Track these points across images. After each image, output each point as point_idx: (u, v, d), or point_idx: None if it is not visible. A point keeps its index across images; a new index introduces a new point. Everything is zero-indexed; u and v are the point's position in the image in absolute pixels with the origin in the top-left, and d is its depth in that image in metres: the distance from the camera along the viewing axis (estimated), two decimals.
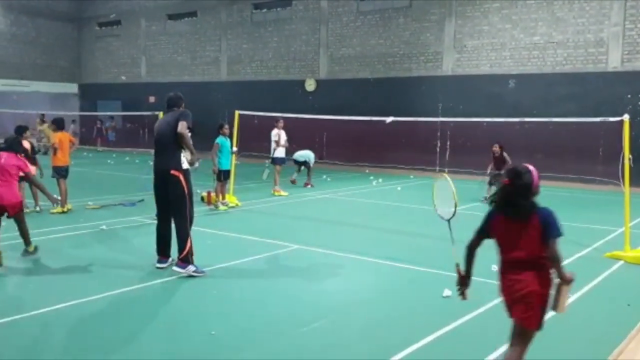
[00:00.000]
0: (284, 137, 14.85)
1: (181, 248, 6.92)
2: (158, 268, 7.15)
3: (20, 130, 10.44)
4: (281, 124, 14.87)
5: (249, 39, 26.47)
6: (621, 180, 8.63)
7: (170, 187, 6.99)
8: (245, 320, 5.57)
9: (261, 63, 26.10)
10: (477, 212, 12.33)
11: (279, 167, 14.86)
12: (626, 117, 8.46)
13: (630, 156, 8.54)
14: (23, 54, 31.91)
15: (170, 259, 7.24)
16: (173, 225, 7.18)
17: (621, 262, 8.09)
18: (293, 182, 16.04)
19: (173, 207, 7.03)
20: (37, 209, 11.03)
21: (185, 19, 29.07)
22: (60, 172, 11.31)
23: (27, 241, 7.68)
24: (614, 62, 17.84)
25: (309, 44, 24.55)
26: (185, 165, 7.04)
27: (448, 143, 20.73)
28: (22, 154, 7.73)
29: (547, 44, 18.98)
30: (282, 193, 14.43)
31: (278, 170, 14.80)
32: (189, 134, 7.05)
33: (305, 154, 16.01)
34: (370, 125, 14.94)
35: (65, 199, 11.23)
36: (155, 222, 7.47)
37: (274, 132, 14.77)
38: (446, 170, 20.50)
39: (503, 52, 19.80)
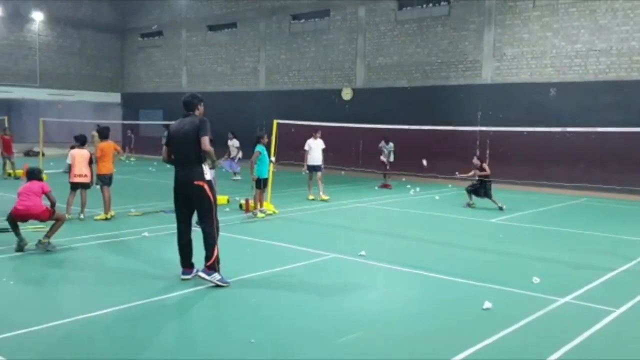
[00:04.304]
0: (314, 147, 15.23)
1: (208, 256, 6.86)
2: (183, 279, 7.08)
3: (82, 140, 11.81)
4: (318, 134, 15.21)
5: (286, 49, 26.69)
6: None
7: (195, 198, 6.93)
8: (284, 328, 5.59)
9: (298, 73, 26.27)
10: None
11: (311, 174, 15.29)
12: None
13: None
14: (69, 65, 32.94)
15: (195, 269, 7.14)
16: (193, 236, 7.14)
17: None
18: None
19: (200, 216, 6.99)
20: (81, 216, 11.30)
21: (224, 30, 29.51)
22: (104, 180, 11.57)
23: (48, 234, 8.60)
24: None
25: (346, 54, 24.61)
26: (208, 176, 6.96)
27: (487, 152, 20.42)
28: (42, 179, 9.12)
29: (589, 52, 18.57)
30: (323, 197, 14.96)
31: (319, 177, 15.20)
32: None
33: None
34: (408, 134, 14.84)
35: (109, 206, 11.48)
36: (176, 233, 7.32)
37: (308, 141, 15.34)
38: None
39: (544, 60, 19.46)
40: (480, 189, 14.21)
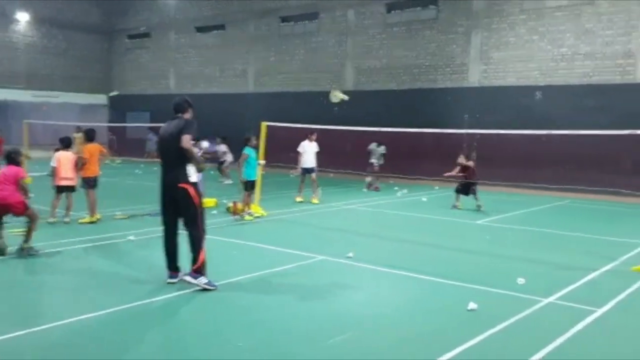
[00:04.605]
0: (308, 149, 15.27)
1: (195, 259, 6.84)
2: (169, 283, 7.06)
3: (67, 143, 11.69)
4: (314, 136, 15.35)
5: (276, 51, 26.75)
6: None
7: (180, 201, 6.90)
8: (272, 331, 5.63)
9: (288, 75, 26.33)
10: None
11: (304, 176, 15.30)
12: None
13: None
14: (54, 66, 32.71)
15: (181, 273, 7.13)
16: (179, 239, 7.11)
17: None
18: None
19: (186, 219, 6.96)
20: (66, 219, 11.24)
21: (213, 32, 29.51)
22: (89, 183, 11.51)
23: (27, 238, 8.45)
24: None
25: (336, 56, 24.71)
26: (193, 178, 6.92)
27: (474, 154, 20.54)
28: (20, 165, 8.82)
29: (574, 56, 18.81)
30: (314, 201, 15.02)
31: (313, 179, 15.27)
32: (194, 146, 6.91)
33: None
34: (396, 136, 14.95)
35: (94, 209, 11.44)
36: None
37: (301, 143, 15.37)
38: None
39: (530, 63, 19.68)
40: (467, 186, 14.41)
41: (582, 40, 18.66)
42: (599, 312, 6.34)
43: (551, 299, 6.80)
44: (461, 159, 14.60)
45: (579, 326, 5.85)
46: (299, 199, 15.14)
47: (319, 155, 15.54)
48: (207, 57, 29.66)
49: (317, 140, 15.53)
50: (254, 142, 12.55)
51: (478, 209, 14.13)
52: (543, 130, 12.33)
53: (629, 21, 17.80)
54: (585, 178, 17.32)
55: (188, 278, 6.90)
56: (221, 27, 29.07)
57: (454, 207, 14.49)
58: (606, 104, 17.83)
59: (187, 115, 7.18)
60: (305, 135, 15.49)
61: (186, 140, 6.76)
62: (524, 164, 18.74)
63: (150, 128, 30.52)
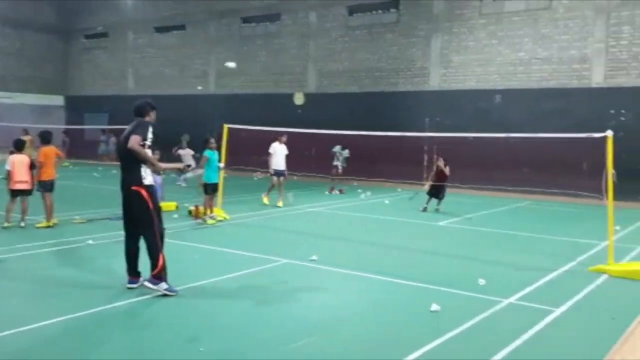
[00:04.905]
0: (278, 151, 15.13)
1: (154, 265, 6.71)
2: (129, 288, 6.94)
3: (18, 145, 11.39)
4: (284, 138, 15.19)
5: (237, 52, 26.59)
6: (604, 195, 8.76)
7: (133, 203, 6.77)
8: (233, 336, 5.58)
9: (250, 76, 26.21)
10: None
11: (275, 179, 15.10)
12: (609, 133, 8.61)
13: (614, 171, 8.67)
14: (7, 66, 31.76)
15: (141, 278, 7.01)
16: (141, 244, 6.96)
17: (605, 276, 8.19)
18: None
19: (140, 223, 6.80)
20: (22, 224, 10.93)
21: (173, 32, 29.16)
22: (46, 186, 11.22)
23: None
24: (597, 78, 18.17)
25: (298, 58, 24.72)
26: (147, 180, 6.76)
27: (435, 157, 20.85)
28: None
29: (532, 60, 19.29)
30: (279, 204, 14.87)
31: (280, 182, 15.09)
32: (144, 147, 6.66)
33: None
34: (359, 139, 15.04)
35: (51, 213, 11.16)
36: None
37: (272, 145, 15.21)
38: (422, 182, 20.66)
39: (489, 67, 20.08)
40: (440, 190, 14.62)
41: (539, 45, 19.14)
42: (558, 312, 6.50)
43: (511, 299, 6.94)
44: (440, 162, 14.74)
45: (538, 326, 5.98)
46: (265, 200, 15.00)
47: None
48: (167, 57, 29.30)
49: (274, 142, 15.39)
50: (213, 144, 12.41)
51: (437, 210, 14.41)
52: (502, 134, 12.58)
53: (584, 27, 18.35)
54: (543, 180, 17.76)
55: (148, 284, 6.78)
56: (181, 27, 28.76)
57: (425, 209, 14.61)
58: (563, 107, 18.33)
59: (149, 118, 7.03)
60: (274, 137, 15.28)
61: (133, 141, 6.58)
62: (483, 166, 19.08)
63: (103, 130, 29.99)
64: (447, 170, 14.70)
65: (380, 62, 22.47)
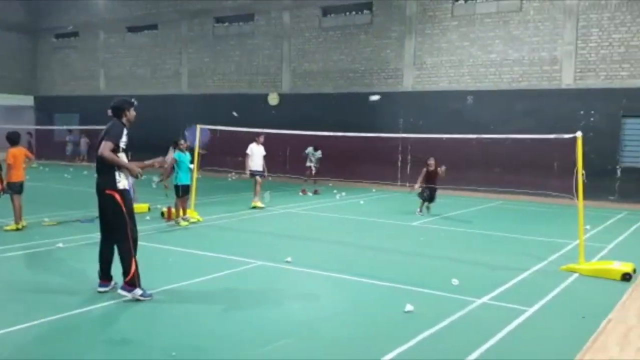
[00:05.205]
0: (256, 152, 14.97)
1: (126, 271, 6.58)
2: (100, 292, 6.81)
3: None
4: (261, 139, 15.01)
5: (210, 52, 26.40)
6: (575, 194, 8.89)
7: (106, 207, 6.65)
8: (208, 340, 5.52)
9: (223, 76, 26.05)
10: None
11: (259, 178, 14.92)
12: (579, 134, 8.77)
13: (584, 171, 8.81)
14: None
15: (113, 282, 6.90)
16: (115, 247, 6.85)
17: (576, 275, 8.32)
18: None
19: (111, 227, 6.70)
20: None
21: (145, 32, 28.81)
22: (15, 188, 10.97)
23: None
24: (567, 79, 18.48)
25: (272, 59, 24.65)
26: (122, 184, 6.63)
27: (409, 157, 21.03)
28: None
29: (503, 62, 19.53)
30: (259, 205, 14.70)
31: (259, 183, 14.91)
32: (118, 152, 6.54)
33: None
34: (333, 140, 15.04)
35: (20, 216, 10.92)
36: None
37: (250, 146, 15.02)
38: (407, 184, 20.79)
39: (461, 69, 20.28)
40: (433, 193, 14.30)
41: (510, 47, 19.40)
42: (530, 311, 6.57)
43: (484, 299, 6.99)
44: (432, 161, 14.29)
45: (511, 326, 6.03)
46: (255, 203, 14.75)
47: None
48: (139, 57, 28.94)
49: (249, 142, 15.24)
50: (183, 145, 12.24)
51: (428, 210, 14.36)
52: (474, 134, 12.69)
53: (554, 29, 18.65)
54: (515, 180, 18.00)
55: (122, 292, 6.63)
56: (153, 27, 28.43)
57: (420, 212, 14.28)
58: (534, 108, 18.60)
59: (126, 118, 6.86)
60: (248, 137, 15.11)
61: (103, 148, 6.44)
62: (456, 166, 19.11)
63: (70, 130, 29.51)
64: (440, 170, 14.16)
65: (355, 63, 22.52)
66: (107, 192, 6.59)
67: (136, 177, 6.79)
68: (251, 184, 15.34)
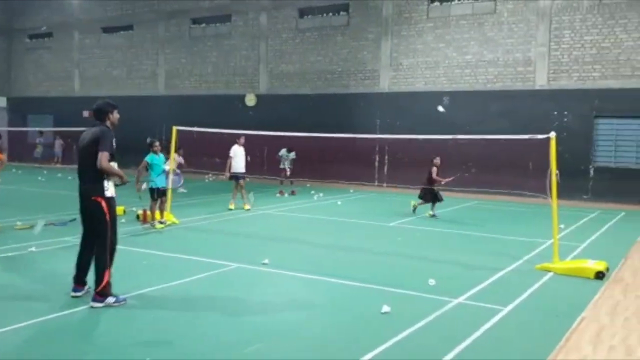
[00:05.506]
0: (239, 153, 14.84)
1: (98, 281, 6.45)
2: (73, 297, 6.69)
3: None
4: (242, 140, 14.87)
5: (187, 53, 26.20)
6: (549, 194, 8.98)
7: (90, 213, 6.55)
8: (183, 344, 5.44)
9: (200, 77, 25.86)
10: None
11: (237, 182, 14.78)
12: (552, 135, 8.88)
13: (557, 171, 8.92)
14: None
15: (87, 287, 6.78)
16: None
17: (551, 274, 8.40)
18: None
19: (92, 234, 6.58)
20: None
21: (120, 32, 28.47)
22: None
23: None
24: (540, 80, 18.71)
25: (249, 59, 24.54)
26: (109, 192, 6.55)
27: (386, 158, 21.10)
28: None
29: (478, 63, 19.70)
30: (246, 207, 14.59)
31: (242, 186, 14.78)
32: (111, 161, 6.47)
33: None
34: (311, 141, 15.00)
35: None
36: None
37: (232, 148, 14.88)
38: (385, 184, 20.88)
39: (437, 70, 20.40)
40: (436, 194, 13.98)
41: (485, 48, 19.57)
42: (505, 310, 6.61)
43: (460, 299, 7.02)
44: (437, 160, 14.01)
45: (486, 326, 6.06)
46: (231, 207, 14.61)
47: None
48: (114, 58, 28.59)
49: (231, 144, 15.13)
50: (157, 147, 12.06)
51: (433, 216, 13.94)
52: (449, 135, 12.75)
53: (528, 31, 18.86)
54: (491, 180, 18.14)
55: (94, 304, 6.44)
56: (129, 27, 28.10)
57: (433, 215, 14.01)
58: (509, 109, 18.79)
59: (110, 121, 6.72)
60: (226, 138, 14.99)
61: (103, 160, 6.35)
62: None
63: (41, 132, 29.05)
64: (434, 172, 13.96)
65: (332, 65, 22.53)
66: (94, 199, 6.48)
67: (124, 183, 6.72)
68: (231, 186, 15.22)
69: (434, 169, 14.10)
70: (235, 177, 14.82)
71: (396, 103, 20.89)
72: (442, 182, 13.98)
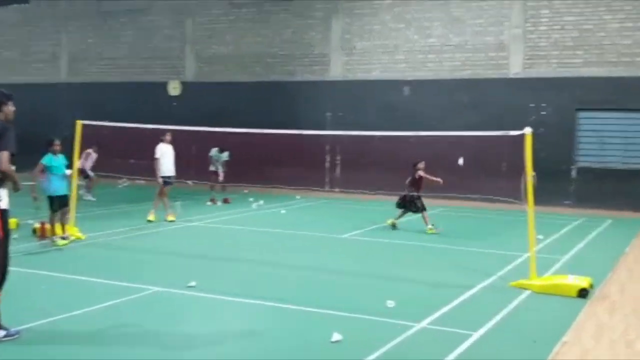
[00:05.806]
0: (167, 152, 14.64)
1: None
2: None
3: None
4: (168, 137, 14.65)
5: (95, 32, 25.71)
6: (524, 200, 9.15)
7: None
8: None
9: (112, 61, 25.43)
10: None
11: (165, 187, 14.59)
12: (528, 131, 8.95)
13: (534, 173, 9.10)
14: None
15: None
16: None
17: (528, 292, 8.61)
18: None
19: None
20: None
21: (13, 6, 27.71)
22: None
23: None
24: (515, 67, 19.19)
25: (173, 40, 24.29)
26: (3, 204, 6.36)
27: (338, 158, 21.22)
28: None
29: (443, 47, 20.06)
30: (169, 218, 14.49)
31: (164, 192, 14.56)
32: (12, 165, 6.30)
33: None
34: (249, 138, 14.91)
35: None
36: None
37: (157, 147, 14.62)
38: (337, 189, 20.96)
39: (396, 55, 20.68)
40: (417, 201, 13.90)
41: (450, 30, 19.94)
42: (476, 335, 6.73)
43: (424, 323, 7.12)
44: (422, 165, 13.98)
45: (454, 354, 6.16)
46: (151, 218, 14.35)
47: (150, 160, 14.90)
48: (5, 37, 27.83)
49: (151, 142, 14.82)
50: (57, 146, 11.72)
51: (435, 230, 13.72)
52: (411, 132, 13.00)
53: (500, 10, 19.31)
54: (459, 183, 18.39)
55: None
56: (23, 1, 27.37)
57: (393, 225, 13.99)
58: (479, 100, 19.19)
59: (3, 113, 6.51)
60: (148, 135, 14.66)
61: (5, 161, 6.16)
62: (390, 167, 19.34)
63: None
64: (423, 174, 13.95)
65: (273, 47, 22.51)
66: None
67: (17, 190, 6.53)
68: (153, 192, 14.96)
69: (421, 172, 13.89)
70: (165, 181, 14.60)
71: (349, 93, 21.05)
72: (441, 182, 13.93)
